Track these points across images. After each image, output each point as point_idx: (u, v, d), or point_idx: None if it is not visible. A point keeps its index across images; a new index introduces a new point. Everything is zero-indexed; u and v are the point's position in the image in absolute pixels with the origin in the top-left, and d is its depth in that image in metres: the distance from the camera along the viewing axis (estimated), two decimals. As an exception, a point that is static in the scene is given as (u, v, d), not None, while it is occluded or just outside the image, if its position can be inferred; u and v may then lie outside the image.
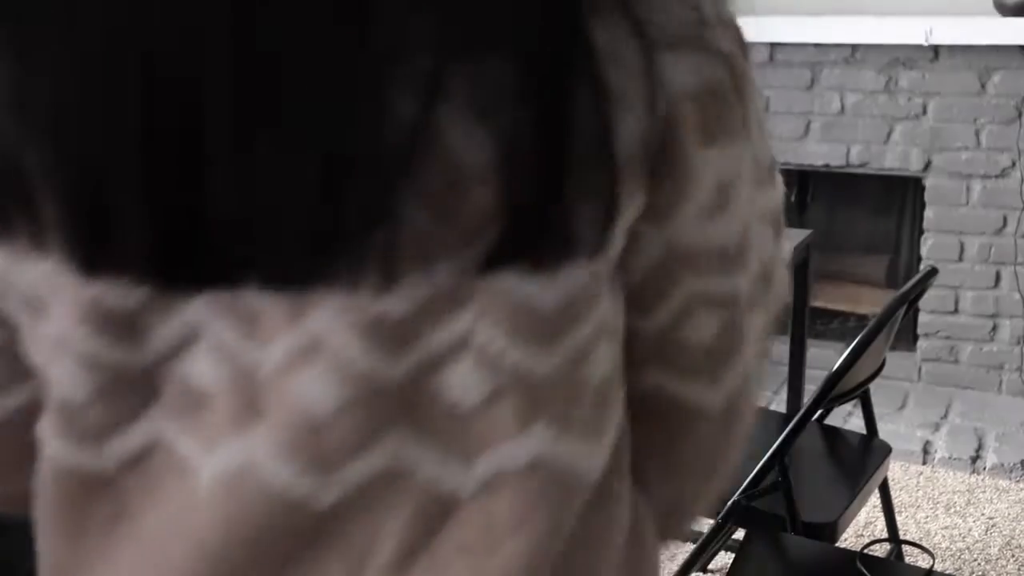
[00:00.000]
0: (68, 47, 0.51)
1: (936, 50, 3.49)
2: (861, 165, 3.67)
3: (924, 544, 2.76)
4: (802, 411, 1.90)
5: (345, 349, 0.52)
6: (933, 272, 2.16)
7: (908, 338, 3.72)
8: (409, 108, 0.50)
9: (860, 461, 2.26)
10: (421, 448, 0.54)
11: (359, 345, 0.52)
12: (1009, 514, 2.91)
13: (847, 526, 2.04)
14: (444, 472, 0.55)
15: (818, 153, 3.70)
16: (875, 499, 2.85)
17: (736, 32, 0.65)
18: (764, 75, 3.72)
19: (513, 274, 0.52)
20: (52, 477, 0.57)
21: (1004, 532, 2.82)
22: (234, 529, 0.54)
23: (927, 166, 3.58)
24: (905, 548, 2.62)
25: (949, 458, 3.18)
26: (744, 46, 0.65)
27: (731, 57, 0.61)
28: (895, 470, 3.16)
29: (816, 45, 3.63)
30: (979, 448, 3.22)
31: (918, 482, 3.10)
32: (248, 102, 0.50)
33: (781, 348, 3.83)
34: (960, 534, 2.81)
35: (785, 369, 2.88)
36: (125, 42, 0.50)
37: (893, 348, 3.40)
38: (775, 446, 1.91)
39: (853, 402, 2.68)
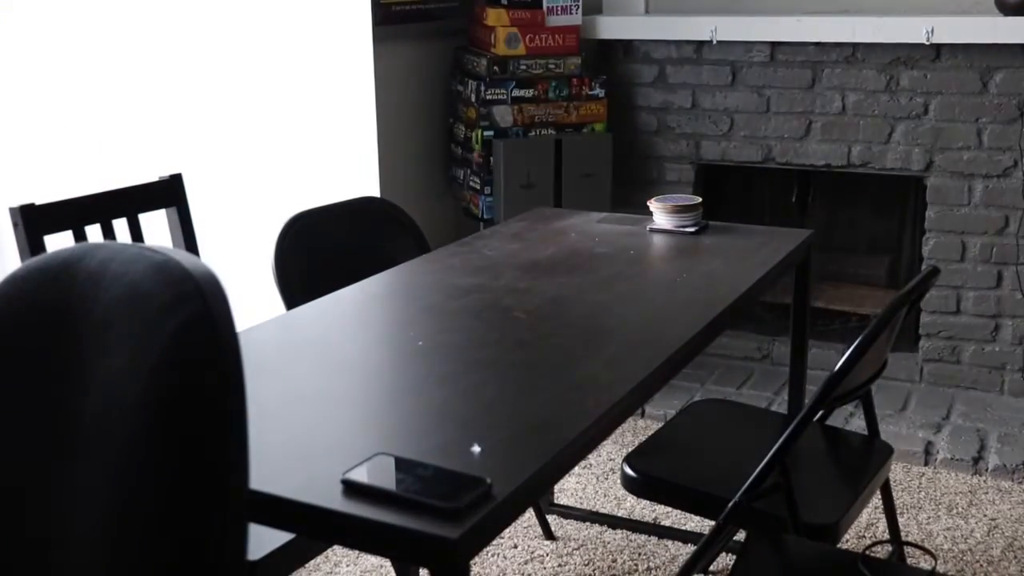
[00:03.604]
0: None
1: (937, 49, 3.48)
2: (862, 165, 3.66)
3: (926, 545, 2.75)
4: (803, 412, 1.89)
5: None
6: (935, 272, 2.14)
7: (910, 338, 3.71)
8: None
9: (861, 462, 2.25)
10: None
11: None
12: (1011, 515, 2.90)
13: (848, 527, 2.03)
14: None
15: (819, 153, 3.69)
16: (876, 500, 2.84)
17: None
18: (764, 75, 3.72)
19: None
20: None
21: (1006, 533, 2.81)
22: None
23: (928, 166, 3.57)
24: (907, 549, 2.61)
25: (951, 459, 3.17)
26: None
27: None
28: (897, 471, 3.15)
29: (817, 44, 3.62)
30: (981, 449, 3.21)
31: (920, 483, 3.09)
32: None
33: (782, 349, 3.83)
34: (962, 535, 2.80)
35: (786, 370, 2.86)
36: None
37: (894, 349, 3.39)
38: (776, 447, 1.90)
39: (854, 403, 2.67)
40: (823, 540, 1.93)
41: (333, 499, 1.25)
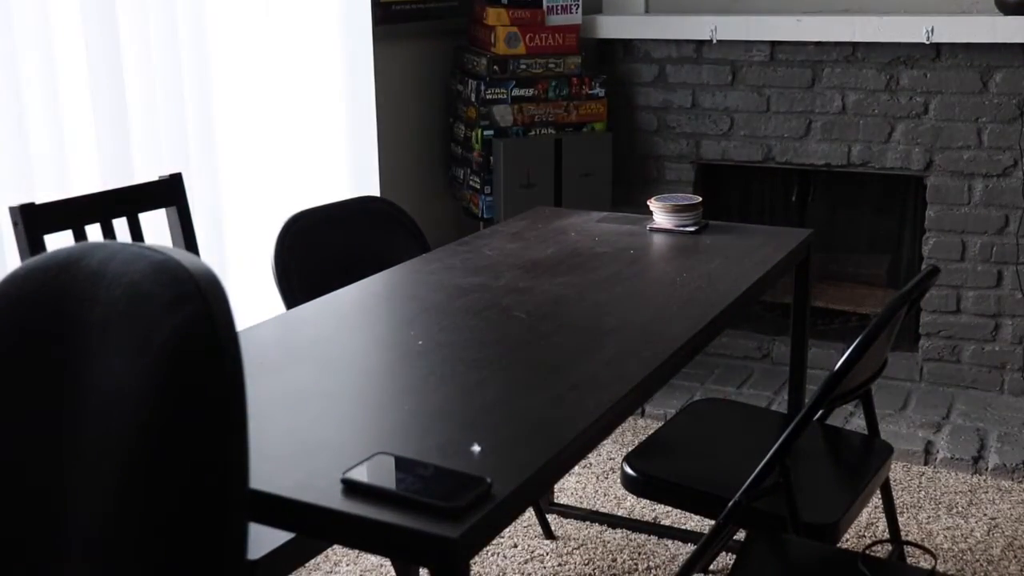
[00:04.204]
0: None
1: (937, 49, 3.48)
2: (862, 164, 3.66)
3: (926, 545, 2.75)
4: (803, 411, 1.89)
5: None
6: (935, 272, 2.14)
7: (910, 338, 3.71)
8: None
9: (861, 461, 2.25)
10: None
11: None
12: (1011, 515, 2.90)
13: (848, 527, 2.03)
14: None
15: (819, 152, 3.69)
16: (877, 500, 2.84)
17: None
18: (764, 75, 3.72)
19: None
20: None
21: (1006, 533, 2.81)
22: None
23: (928, 165, 3.57)
24: (907, 549, 2.61)
25: (951, 458, 3.17)
26: None
27: None
28: (897, 470, 3.15)
29: (817, 44, 3.62)
30: (981, 448, 3.21)
31: (920, 482, 3.09)
32: None
33: (782, 348, 3.83)
34: (962, 535, 2.80)
35: (786, 369, 2.86)
36: None
37: (894, 348, 3.39)
38: (776, 446, 1.90)
39: (854, 402, 2.67)
40: (823, 540, 1.93)
41: (333, 498, 1.25)
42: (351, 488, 1.27)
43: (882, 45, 3.53)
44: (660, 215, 2.55)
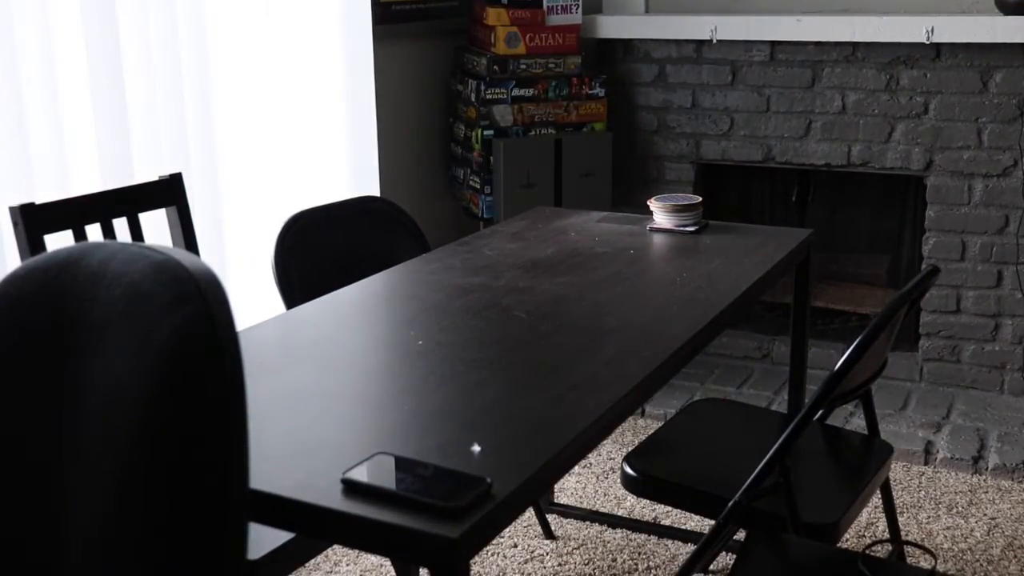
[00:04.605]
0: None
1: (937, 49, 3.48)
2: (862, 164, 3.66)
3: (926, 545, 2.75)
4: (803, 411, 1.89)
5: None
6: (935, 272, 2.14)
7: (910, 338, 3.71)
8: None
9: (861, 461, 2.25)
10: None
11: None
12: (1011, 515, 2.90)
13: (848, 527, 2.03)
14: None
15: (819, 152, 3.69)
16: (876, 500, 2.84)
17: None
18: (764, 74, 3.72)
19: None
20: None
21: (1006, 533, 2.81)
22: None
23: (928, 165, 3.57)
24: (907, 549, 2.61)
25: (951, 458, 3.17)
26: None
27: None
28: (897, 470, 3.15)
29: (817, 44, 3.62)
30: (981, 448, 3.21)
31: (920, 482, 3.09)
32: None
33: (782, 348, 3.83)
34: (962, 535, 2.80)
35: (786, 369, 2.86)
36: None
37: (894, 348, 3.39)
38: (776, 446, 1.90)
39: (854, 402, 2.67)
40: (823, 540, 1.93)
41: (333, 498, 1.25)
42: (351, 488, 1.27)
43: (882, 45, 3.53)
44: (660, 215, 2.55)
